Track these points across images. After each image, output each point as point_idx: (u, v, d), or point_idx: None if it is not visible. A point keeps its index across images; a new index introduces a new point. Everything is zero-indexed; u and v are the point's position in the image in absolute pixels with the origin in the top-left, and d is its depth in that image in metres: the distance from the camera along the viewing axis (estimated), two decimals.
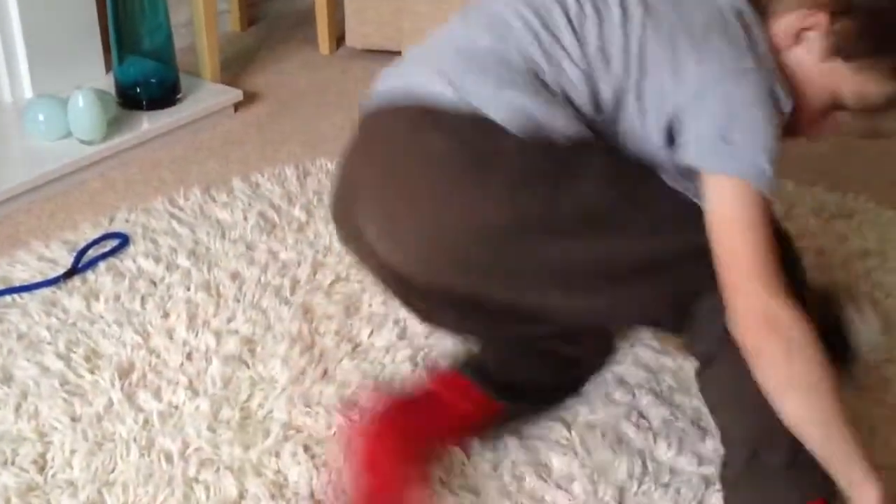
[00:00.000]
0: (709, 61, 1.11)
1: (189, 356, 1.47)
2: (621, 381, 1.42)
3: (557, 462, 1.29)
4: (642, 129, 1.13)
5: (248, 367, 1.45)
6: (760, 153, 1.09)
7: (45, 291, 1.60)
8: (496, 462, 1.29)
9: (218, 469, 1.27)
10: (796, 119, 1.17)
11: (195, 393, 1.39)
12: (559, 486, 1.26)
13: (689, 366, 1.45)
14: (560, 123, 1.09)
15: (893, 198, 1.92)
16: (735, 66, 1.11)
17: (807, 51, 1.17)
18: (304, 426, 1.34)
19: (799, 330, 1.04)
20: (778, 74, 1.14)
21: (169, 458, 1.28)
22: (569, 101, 1.11)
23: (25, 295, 1.59)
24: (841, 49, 1.14)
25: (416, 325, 1.52)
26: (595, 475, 1.27)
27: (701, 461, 1.29)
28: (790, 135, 1.18)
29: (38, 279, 1.63)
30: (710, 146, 1.10)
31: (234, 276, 1.65)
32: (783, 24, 1.17)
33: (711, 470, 1.27)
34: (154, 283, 1.63)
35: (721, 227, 1.08)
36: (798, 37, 1.17)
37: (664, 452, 1.30)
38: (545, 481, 1.26)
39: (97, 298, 1.58)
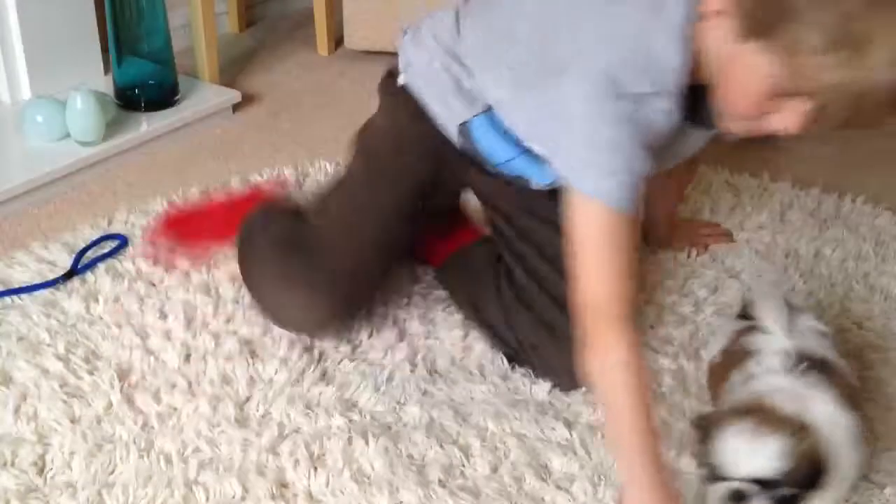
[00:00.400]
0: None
1: (188, 357, 1.47)
2: None
3: (557, 463, 1.29)
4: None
5: (247, 367, 1.45)
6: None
7: (45, 293, 1.60)
8: (496, 463, 1.29)
9: (218, 470, 1.27)
10: (731, 111, 1.13)
11: (194, 394, 1.39)
12: (559, 487, 1.26)
13: (690, 366, 1.46)
14: None
15: (890, 199, 1.93)
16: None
17: (723, 37, 1.07)
18: (303, 427, 1.34)
19: (619, 358, 1.11)
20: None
21: (168, 460, 1.28)
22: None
23: (25, 296, 1.59)
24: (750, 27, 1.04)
25: (415, 326, 1.52)
26: (595, 476, 1.27)
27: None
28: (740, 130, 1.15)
29: (38, 281, 1.63)
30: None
31: (233, 277, 1.64)
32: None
33: None
34: (153, 285, 1.63)
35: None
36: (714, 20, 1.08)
37: (664, 453, 1.30)
38: (545, 482, 1.26)
39: (96, 300, 1.58)
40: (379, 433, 1.32)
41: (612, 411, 1.14)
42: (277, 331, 1.52)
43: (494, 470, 1.28)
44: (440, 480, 1.26)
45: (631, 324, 1.11)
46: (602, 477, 1.27)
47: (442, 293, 1.58)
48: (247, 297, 1.59)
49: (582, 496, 1.24)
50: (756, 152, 2.12)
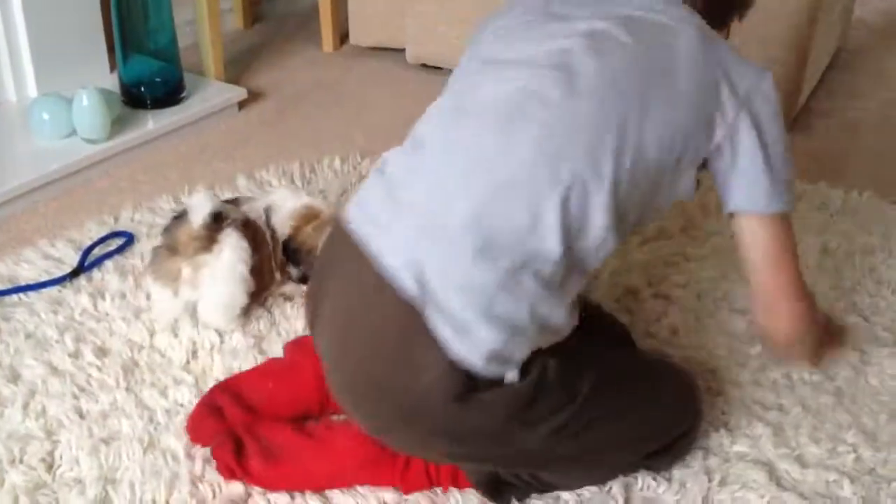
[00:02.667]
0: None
1: (194, 353, 1.47)
2: None
3: None
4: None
5: (253, 363, 1.45)
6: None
7: (52, 290, 1.61)
8: None
9: None
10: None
11: (201, 390, 1.39)
12: None
13: (693, 364, 1.46)
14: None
15: None
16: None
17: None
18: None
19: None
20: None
21: (175, 456, 1.28)
22: None
23: (32, 294, 1.60)
24: None
25: None
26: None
27: (706, 455, 1.30)
28: None
29: (45, 278, 1.63)
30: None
31: None
32: None
33: (717, 463, 1.28)
34: None
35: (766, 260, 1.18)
36: None
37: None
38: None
39: (103, 297, 1.59)
40: None
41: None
42: (283, 327, 1.52)
43: None
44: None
45: None
46: None
47: None
48: None
49: (587, 492, 1.24)
50: None
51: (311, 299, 1.19)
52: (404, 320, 1.05)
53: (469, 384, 1.06)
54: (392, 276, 1.06)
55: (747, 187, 1.13)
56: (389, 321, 1.07)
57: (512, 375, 1.08)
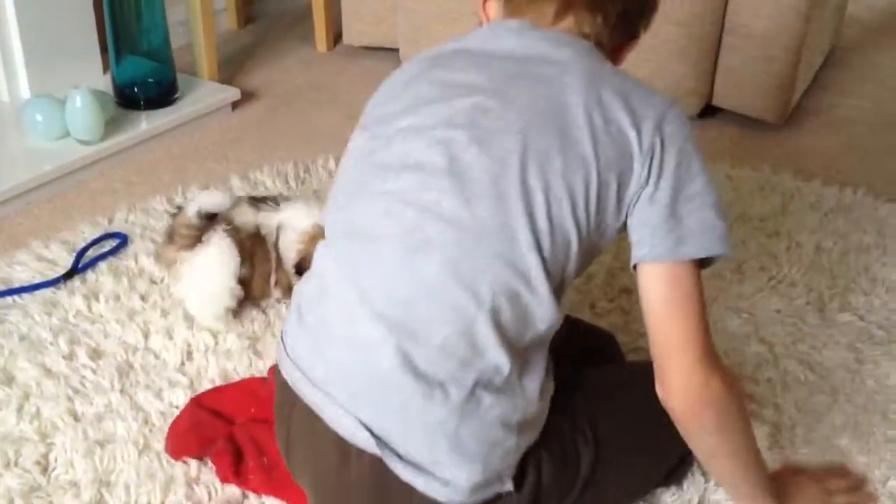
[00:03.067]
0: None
1: (189, 355, 1.47)
2: None
3: None
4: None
5: (248, 365, 1.45)
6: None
7: (46, 292, 1.60)
8: None
9: None
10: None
11: (195, 392, 1.39)
12: None
13: None
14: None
15: (891, 191, 1.93)
16: None
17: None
18: None
19: (733, 401, 1.04)
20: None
21: (170, 459, 1.28)
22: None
23: (26, 296, 1.59)
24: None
25: None
26: None
27: None
28: None
29: (39, 280, 1.63)
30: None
31: None
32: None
33: None
34: (154, 282, 1.63)
35: (660, 311, 1.04)
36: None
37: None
38: None
39: (97, 298, 1.58)
40: None
41: (735, 454, 1.09)
42: (278, 327, 1.52)
43: None
44: None
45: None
46: None
47: None
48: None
49: None
50: (757, 145, 2.12)
51: (281, 442, 1.13)
52: (375, 479, 1.01)
53: None
54: (350, 439, 1.01)
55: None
56: (359, 483, 1.02)
57: (507, 487, 1.03)
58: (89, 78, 2.13)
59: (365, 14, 2.49)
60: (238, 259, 1.49)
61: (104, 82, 2.15)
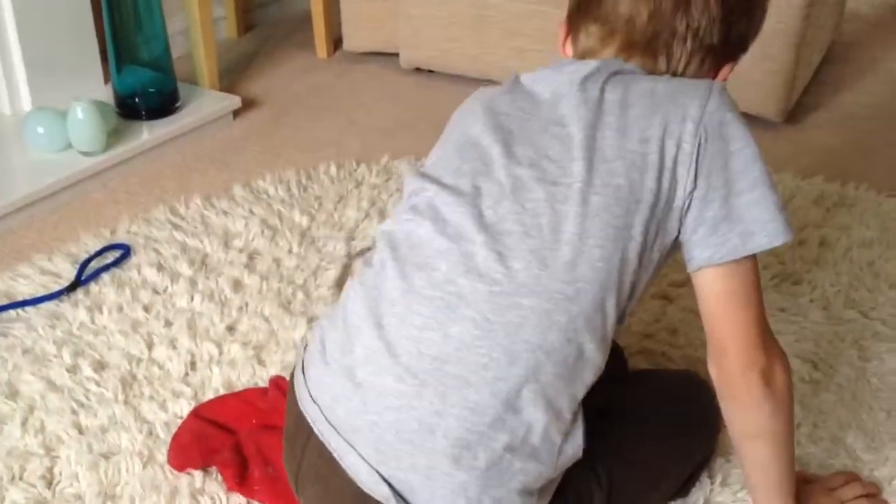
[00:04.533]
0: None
1: (193, 365, 1.47)
2: None
3: None
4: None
5: (252, 375, 1.45)
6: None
7: (49, 305, 1.60)
8: None
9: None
10: None
11: (199, 402, 1.39)
12: None
13: (693, 363, 1.45)
14: None
15: (893, 186, 1.92)
16: None
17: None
18: None
19: (789, 385, 1.05)
20: None
21: (174, 470, 1.28)
22: None
23: (30, 309, 1.60)
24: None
25: None
26: None
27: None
28: None
29: (42, 293, 1.63)
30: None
31: (237, 284, 1.65)
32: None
33: (719, 464, 1.27)
34: (157, 293, 1.63)
35: (723, 307, 1.04)
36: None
37: None
38: None
39: (101, 310, 1.59)
40: None
41: (777, 440, 1.08)
42: (282, 337, 1.52)
43: None
44: None
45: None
46: None
47: None
48: (251, 302, 1.60)
49: None
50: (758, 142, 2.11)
51: (291, 473, 1.11)
52: None
53: None
54: (369, 491, 0.98)
55: None
56: None
57: None
58: (90, 89, 2.13)
59: (364, 20, 2.50)
60: None
61: (105, 93, 2.16)
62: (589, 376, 1.01)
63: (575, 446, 1.02)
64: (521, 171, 1.01)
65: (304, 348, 1.11)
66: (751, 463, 1.11)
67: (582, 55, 1.11)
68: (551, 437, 0.99)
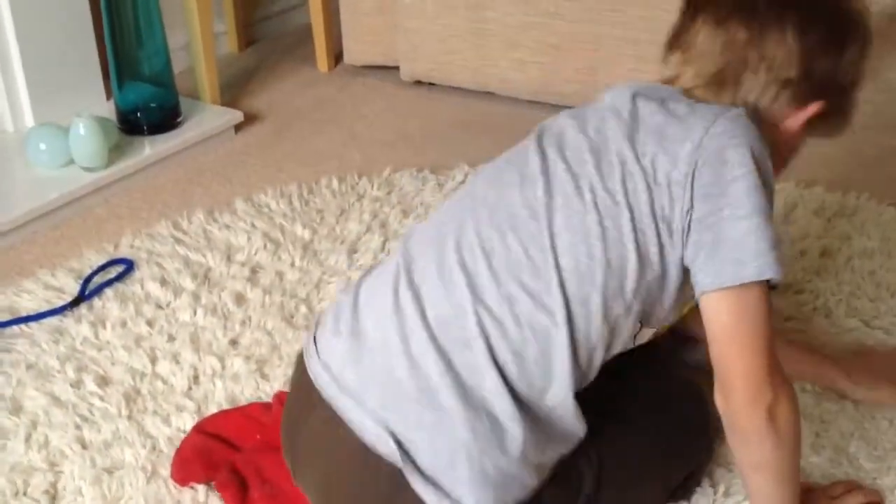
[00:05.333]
0: None
1: (196, 379, 1.47)
2: None
3: None
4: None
5: (255, 388, 1.45)
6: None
7: (53, 320, 1.61)
8: None
9: None
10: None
11: (203, 416, 1.39)
12: None
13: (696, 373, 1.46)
14: None
15: (893, 195, 1.92)
16: None
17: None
18: None
19: (794, 422, 1.05)
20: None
21: (177, 485, 1.28)
22: None
23: (33, 324, 1.60)
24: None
25: None
26: None
27: (711, 465, 1.29)
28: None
29: (45, 308, 1.63)
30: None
31: (240, 297, 1.66)
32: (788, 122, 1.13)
33: (722, 473, 1.27)
34: (160, 307, 1.64)
35: (725, 338, 1.04)
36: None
37: None
38: None
39: (104, 325, 1.59)
40: None
41: (781, 475, 1.09)
42: (285, 350, 1.53)
43: None
44: None
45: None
46: None
47: None
48: (254, 316, 1.61)
49: None
50: None
51: (286, 453, 1.15)
52: (391, 489, 1.02)
53: None
54: (373, 447, 1.02)
55: None
56: (375, 493, 1.03)
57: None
58: (92, 105, 2.14)
59: (365, 34, 2.50)
60: None
61: (107, 109, 2.16)
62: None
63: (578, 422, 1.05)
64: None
65: (316, 324, 1.14)
66: (753, 491, 1.12)
67: (664, 83, 1.14)
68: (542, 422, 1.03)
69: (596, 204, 1.03)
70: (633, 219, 1.03)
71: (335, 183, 2.01)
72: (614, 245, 1.03)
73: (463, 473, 1.00)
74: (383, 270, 1.10)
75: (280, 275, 1.72)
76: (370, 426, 1.02)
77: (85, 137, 1.95)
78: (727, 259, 1.01)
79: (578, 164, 1.06)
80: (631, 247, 1.03)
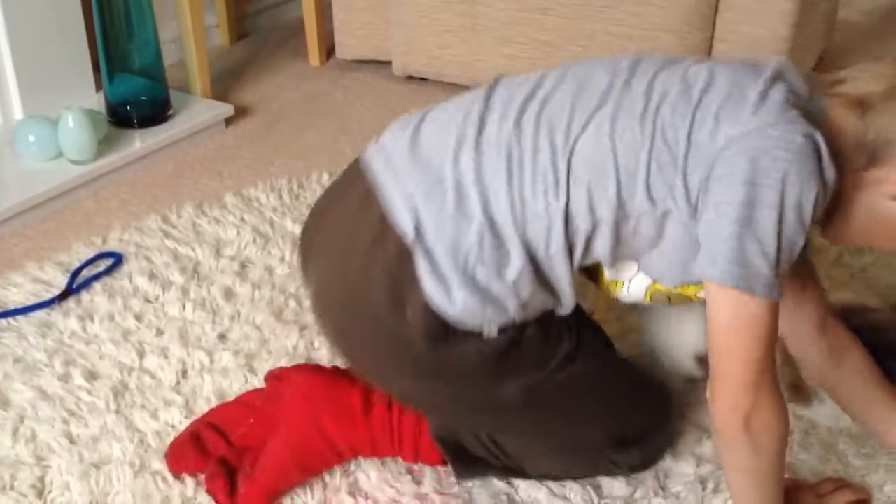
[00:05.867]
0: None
1: (184, 374, 1.47)
2: None
3: None
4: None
5: (243, 383, 1.44)
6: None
7: (41, 313, 1.60)
8: None
9: None
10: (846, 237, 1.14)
11: (191, 411, 1.39)
12: (555, 494, 1.26)
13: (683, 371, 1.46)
14: None
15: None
16: None
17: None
18: None
19: (771, 434, 1.05)
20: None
21: (166, 479, 1.27)
22: None
23: (21, 318, 1.59)
24: None
25: None
26: (585, 479, 1.27)
27: (700, 462, 1.29)
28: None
29: (33, 301, 1.63)
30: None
31: (229, 292, 1.65)
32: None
33: (710, 470, 1.28)
34: (149, 301, 1.63)
35: (713, 333, 1.06)
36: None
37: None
38: (541, 489, 1.26)
39: (92, 319, 1.58)
40: None
41: (759, 480, 1.10)
42: (273, 345, 1.52)
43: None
44: (435, 489, 1.26)
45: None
46: (599, 482, 1.27)
47: None
48: (243, 310, 1.60)
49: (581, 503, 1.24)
50: None
51: (306, 231, 1.25)
52: (395, 260, 1.09)
53: (445, 329, 1.09)
54: (394, 224, 1.09)
55: None
56: (380, 259, 1.10)
57: (489, 331, 1.10)
58: (82, 97, 2.13)
59: (357, 28, 2.50)
60: None
61: (97, 101, 2.15)
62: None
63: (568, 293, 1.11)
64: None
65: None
66: (734, 491, 1.13)
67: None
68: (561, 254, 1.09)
69: (653, 120, 1.05)
70: (664, 150, 1.05)
71: (326, 177, 2.00)
72: (630, 158, 1.06)
73: (458, 273, 1.07)
74: (461, 100, 1.18)
75: (269, 269, 1.71)
76: (399, 205, 1.09)
77: (74, 130, 1.94)
78: (705, 253, 1.03)
79: (663, 85, 1.08)
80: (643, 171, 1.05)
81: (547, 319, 1.14)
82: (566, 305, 1.13)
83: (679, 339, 1.35)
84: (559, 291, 1.11)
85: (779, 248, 1.00)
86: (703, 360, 1.31)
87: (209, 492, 1.24)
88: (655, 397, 1.29)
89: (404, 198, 1.10)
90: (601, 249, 1.10)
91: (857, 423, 1.30)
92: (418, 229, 1.08)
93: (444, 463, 1.28)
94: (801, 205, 1.00)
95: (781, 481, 1.11)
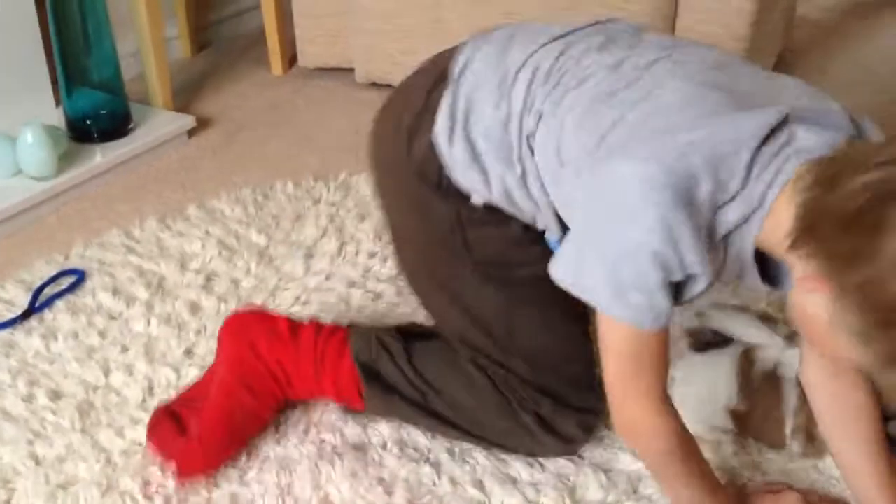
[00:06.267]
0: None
1: (150, 391, 1.45)
2: None
3: (526, 474, 1.29)
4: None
5: None
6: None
7: (3, 333, 1.58)
8: (465, 476, 1.28)
9: None
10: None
11: None
12: (529, 501, 1.25)
13: None
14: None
15: None
16: None
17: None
18: (272, 457, 1.33)
19: (654, 451, 1.12)
20: None
21: (133, 498, 1.26)
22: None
23: None
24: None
25: None
26: (559, 485, 1.27)
27: None
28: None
29: None
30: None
31: (194, 306, 1.64)
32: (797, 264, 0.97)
33: None
34: (113, 318, 1.61)
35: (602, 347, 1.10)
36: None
37: (630, 463, 1.30)
38: (514, 495, 1.26)
39: (55, 337, 1.56)
40: (346, 454, 1.31)
41: (657, 474, 1.18)
42: None
43: (463, 483, 1.27)
44: (407, 499, 1.25)
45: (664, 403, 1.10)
46: (573, 488, 1.27)
47: None
48: (209, 325, 1.59)
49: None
50: None
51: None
52: (434, 86, 1.21)
53: (438, 174, 1.18)
54: (454, 60, 1.21)
55: None
56: (425, 85, 1.23)
57: (476, 198, 1.18)
58: (42, 113, 2.10)
59: (318, 35, 2.49)
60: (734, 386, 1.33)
61: (57, 116, 2.13)
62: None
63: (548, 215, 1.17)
64: None
65: None
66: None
67: None
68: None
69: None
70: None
71: (290, 187, 1.99)
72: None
73: (461, 129, 1.16)
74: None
75: (235, 282, 1.70)
76: (464, 53, 1.23)
77: (33, 146, 1.92)
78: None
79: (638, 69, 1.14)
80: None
81: (538, 236, 1.20)
82: (551, 230, 1.17)
83: (712, 392, 1.33)
84: (543, 211, 1.16)
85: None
86: (735, 414, 1.32)
87: (153, 441, 1.31)
88: (589, 372, 1.26)
89: (472, 49, 1.22)
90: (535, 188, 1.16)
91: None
92: (462, 72, 1.19)
93: (360, 393, 1.31)
94: (678, 233, 0.98)
95: (687, 484, 1.14)
